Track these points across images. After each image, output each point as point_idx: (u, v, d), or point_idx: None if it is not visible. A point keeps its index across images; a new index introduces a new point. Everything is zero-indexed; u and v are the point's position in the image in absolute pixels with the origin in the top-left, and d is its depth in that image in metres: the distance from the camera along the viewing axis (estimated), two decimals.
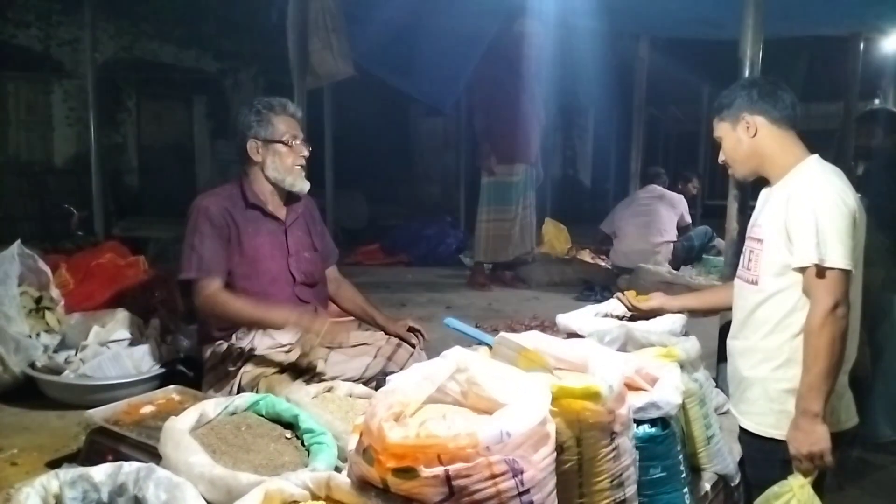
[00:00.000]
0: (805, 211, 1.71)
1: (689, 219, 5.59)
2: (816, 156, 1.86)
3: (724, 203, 2.76)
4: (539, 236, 6.04)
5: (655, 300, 2.24)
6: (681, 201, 5.52)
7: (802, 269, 1.73)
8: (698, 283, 4.38)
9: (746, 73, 2.52)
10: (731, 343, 2.00)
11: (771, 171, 1.91)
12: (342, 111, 7.25)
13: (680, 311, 2.21)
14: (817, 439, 1.68)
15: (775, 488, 1.72)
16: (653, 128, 11.08)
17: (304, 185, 2.49)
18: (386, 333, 2.54)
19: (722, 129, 1.96)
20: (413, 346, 2.52)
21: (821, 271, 1.68)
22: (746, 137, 1.89)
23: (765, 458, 1.87)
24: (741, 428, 1.96)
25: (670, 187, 5.77)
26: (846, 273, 1.69)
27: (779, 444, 1.78)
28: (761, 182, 1.99)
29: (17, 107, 7.78)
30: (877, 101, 6.92)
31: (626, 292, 2.33)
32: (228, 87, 9.48)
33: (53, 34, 7.52)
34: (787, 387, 1.79)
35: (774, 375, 1.82)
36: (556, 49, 5.49)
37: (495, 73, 4.88)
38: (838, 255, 1.68)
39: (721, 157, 2.02)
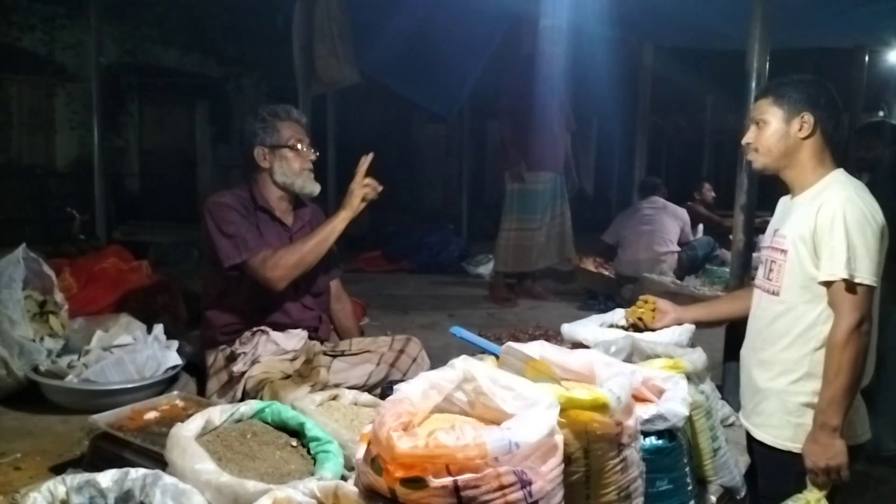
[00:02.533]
0: (837, 225, 1.70)
1: (690, 233, 5.57)
2: (842, 169, 1.86)
3: (728, 213, 2.76)
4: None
5: (669, 316, 2.20)
6: (684, 213, 5.52)
7: (828, 283, 1.72)
8: (702, 293, 4.38)
9: (753, 85, 2.52)
10: (747, 354, 1.99)
11: (797, 179, 1.88)
12: (345, 117, 7.26)
13: (693, 323, 2.19)
14: (835, 453, 1.68)
15: (790, 502, 1.71)
16: (656, 137, 11.10)
17: (314, 188, 2.51)
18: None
19: (771, 114, 1.87)
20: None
21: (850, 286, 1.68)
22: (796, 134, 1.84)
23: (780, 471, 1.87)
24: (754, 439, 1.95)
25: (686, 198, 5.78)
26: (872, 289, 1.69)
27: (795, 458, 1.78)
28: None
29: (20, 109, 7.82)
30: (881, 113, 6.94)
31: (637, 308, 2.26)
32: (231, 92, 9.52)
33: (57, 37, 7.56)
34: (805, 400, 1.79)
35: (793, 388, 1.81)
36: (561, 56, 5.49)
37: (521, 77, 4.81)
38: (867, 272, 1.68)
39: (748, 140, 1.92)
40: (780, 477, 1.87)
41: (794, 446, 1.79)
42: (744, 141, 1.96)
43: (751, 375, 1.95)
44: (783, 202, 1.97)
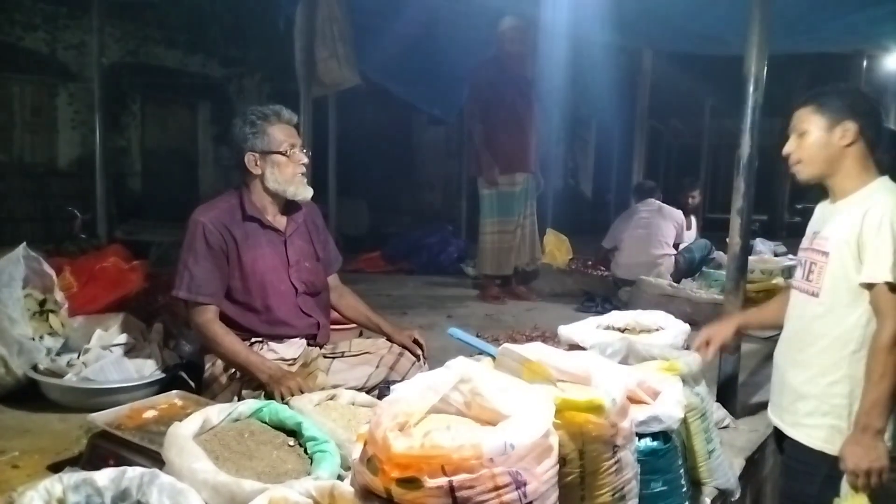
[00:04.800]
0: (884, 229, 1.72)
1: (683, 235, 5.57)
2: (887, 177, 1.87)
3: (725, 216, 2.76)
4: (541, 247, 6.03)
5: (729, 324, 2.20)
6: (679, 215, 5.53)
7: (871, 286, 1.74)
8: (699, 297, 4.39)
9: (751, 91, 2.54)
10: (782, 354, 2.00)
11: (841, 185, 1.88)
12: (346, 119, 7.27)
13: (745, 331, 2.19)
14: (878, 456, 1.69)
15: None
16: (654, 140, 11.12)
17: (306, 193, 2.44)
18: (390, 341, 2.54)
19: (813, 123, 1.87)
20: (416, 357, 2.51)
21: (894, 289, 1.70)
22: (839, 143, 1.84)
23: (807, 471, 1.88)
24: (785, 437, 1.96)
25: (675, 198, 5.78)
26: None
27: (825, 459, 1.79)
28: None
29: (22, 109, 7.83)
30: None
31: (705, 339, 2.20)
32: (233, 92, 9.54)
33: (60, 37, 7.59)
34: (841, 402, 1.80)
35: (831, 391, 1.83)
36: (560, 61, 5.51)
37: (490, 78, 4.79)
38: None
39: (789, 150, 1.92)
40: (805, 477, 1.87)
41: (827, 447, 1.81)
42: (785, 151, 1.95)
43: (784, 376, 1.97)
44: (822, 206, 1.99)
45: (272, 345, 2.41)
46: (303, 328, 2.49)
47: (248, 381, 2.31)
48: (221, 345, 2.29)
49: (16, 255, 2.72)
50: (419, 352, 2.53)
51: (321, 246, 2.61)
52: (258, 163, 2.37)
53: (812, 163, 1.90)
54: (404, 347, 2.51)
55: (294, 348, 2.45)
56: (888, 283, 1.70)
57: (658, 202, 5.52)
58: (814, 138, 1.87)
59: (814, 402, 1.86)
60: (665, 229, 5.34)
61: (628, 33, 5.34)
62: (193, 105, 9.59)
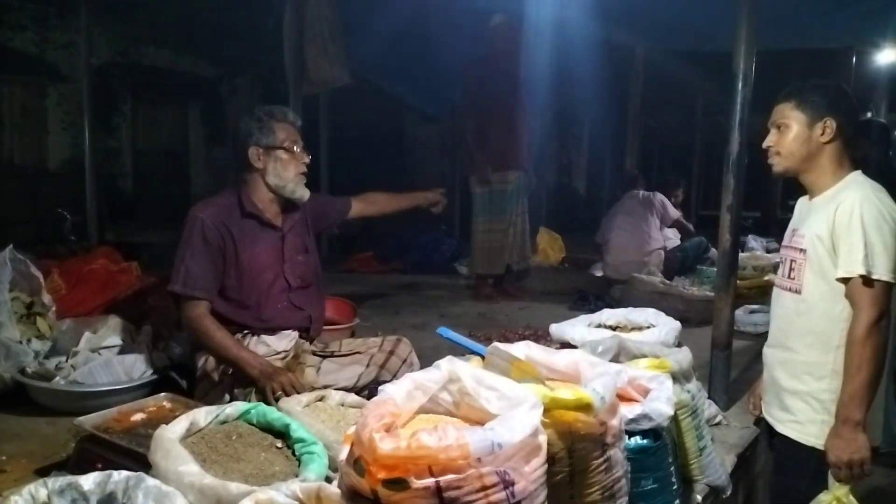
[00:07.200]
0: (854, 222, 1.74)
1: (673, 213, 5.52)
2: (860, 171, 1.89)
3: (718, 214, 2.76)
4: (533, 245, 6.02)
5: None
6: (660, 197, 5.47)
7: (845, 280, 1.76)
8: (691, 293, 4.39)
9: (739, 87, 2.54)
10: (770, 352, 2.01)
11: (817, 181, 1.91)
12: (338, 118, 7.25)
13: None
14: (858, 447, 1.71)
15: (817, 501, 1.72)
16: (647, 137, 11.14)
17: (304, 193, 2.48)
18: (426, 207, 3.20)
19: (793, 118, 1.89)
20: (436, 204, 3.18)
21: (868, 282, 1.72)
22: (818, 139, 1.87)
23: (797, 466, 1.90)
24: (776, 434, 1.97)
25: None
26: (891, 286, 1.73)
27: (815, 454, 1.80)
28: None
29: (11, 110, 7.78)
30: (869, 114, 6.99)
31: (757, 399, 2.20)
32: (224, 92, 9.51)
33: (49, 38, 7.55)
34: (830, 397, 1.82)
35: (819, 386, 1.85)
36: (551, 58, 5.50)
37: (481, 76, 4.77)
38: (885, 268, 1.72)
39: (769, 143, 1.94)
40: (794, 472, 1.89)
41: (819, 443, 1.83)
42: (765, 144, 1.97)
43: (773, 375, 1.98)
44: (802, 203, 2.01)
45: (264, 337, 2.42)
46: (296, 322, 2.52)
47: (240, 379, 2.31)
48: (213, 339, 2.30)
49: (2, 258, 2.70)
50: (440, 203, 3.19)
51: (318, 219, 2.70)
52: (261, 157, 2.41)
53: (790, 157, 1.92)
54: (430, 205, 3.19)
55: (286, 341, 2.46)
56: (862, 276, 1.72)
57: (640, 191, 5.50)
58: (794, 133, 1.90)
59: (803, 398, 1.87)
60: (650, 221, 5.32)
61: (618, 29, 5.35)
62: (184, 105, 9.56)
